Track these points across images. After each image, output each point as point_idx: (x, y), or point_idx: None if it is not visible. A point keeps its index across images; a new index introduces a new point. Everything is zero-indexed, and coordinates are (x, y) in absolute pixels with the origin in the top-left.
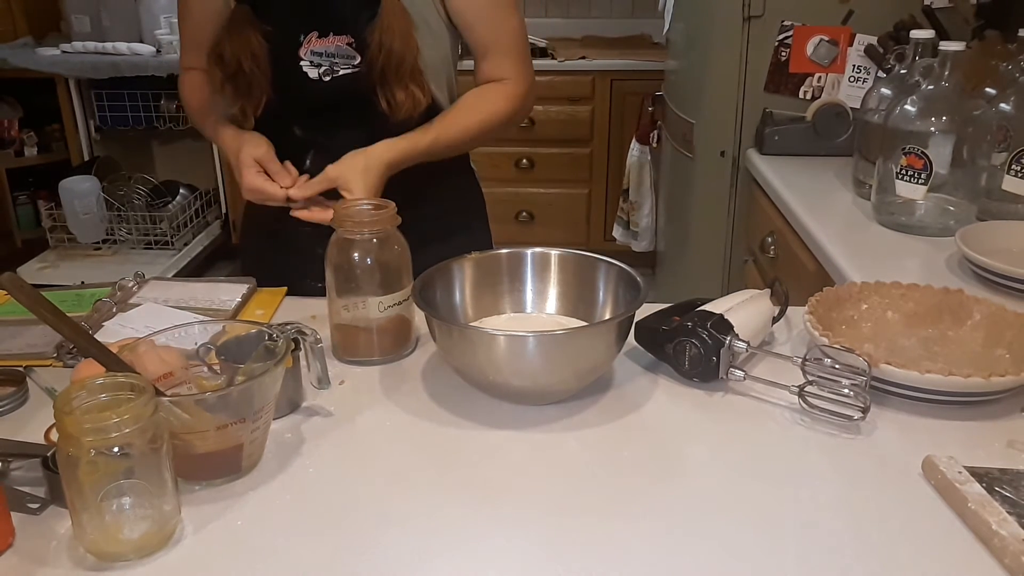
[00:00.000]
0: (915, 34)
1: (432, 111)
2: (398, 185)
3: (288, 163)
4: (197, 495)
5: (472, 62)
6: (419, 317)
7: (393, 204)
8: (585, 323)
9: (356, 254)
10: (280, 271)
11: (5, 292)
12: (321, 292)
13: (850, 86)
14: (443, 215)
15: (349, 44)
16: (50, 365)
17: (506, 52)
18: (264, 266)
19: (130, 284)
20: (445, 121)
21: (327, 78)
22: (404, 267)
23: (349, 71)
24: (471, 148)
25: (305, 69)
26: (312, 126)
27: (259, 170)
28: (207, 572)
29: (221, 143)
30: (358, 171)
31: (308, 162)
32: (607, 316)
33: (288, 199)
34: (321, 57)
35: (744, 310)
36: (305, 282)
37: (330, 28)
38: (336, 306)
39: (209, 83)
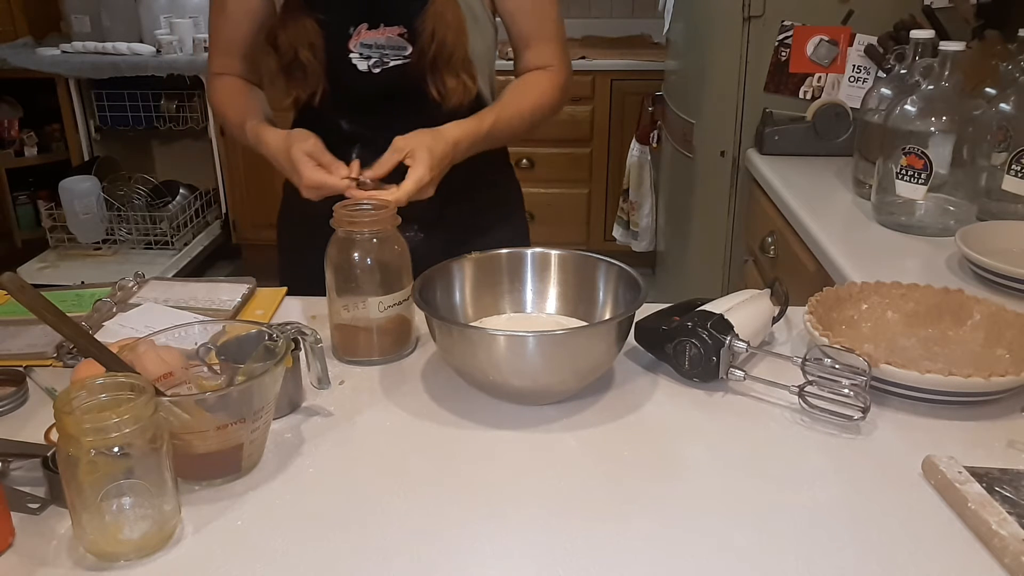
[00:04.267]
0: (915, 34)
1: (478, 103)
2: (441, 180)
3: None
4: (197, 495)
5: (505, 61)
6: (419, 317)
7: (394, 204)
8: (585, 323)
9: (356, 254)
10: (322, 265)
11: (5, 292)
12: None
13: (850, 86)
14: (484, 209)
15: (401, 35)
16: (50, 365)
17: (548, 40)
18: (305, 263)
19: (130, 284)
20: (501, 104)
21: (377, 70)
22: (404, 267)
23: (399, 62)
24: (524, 134)
25: (355, 61)
26: (359, 119)
27: (315, 164)
28: (207, 572)
29: (265, 144)
30: (425, 144)
31: (354, 155)
32: (607, 316)
33: (357, 183)
34: (371, 49)
35: (744, 310)
36: None
37: (380, 19)
38: (336, 306)
39: (264, 71)
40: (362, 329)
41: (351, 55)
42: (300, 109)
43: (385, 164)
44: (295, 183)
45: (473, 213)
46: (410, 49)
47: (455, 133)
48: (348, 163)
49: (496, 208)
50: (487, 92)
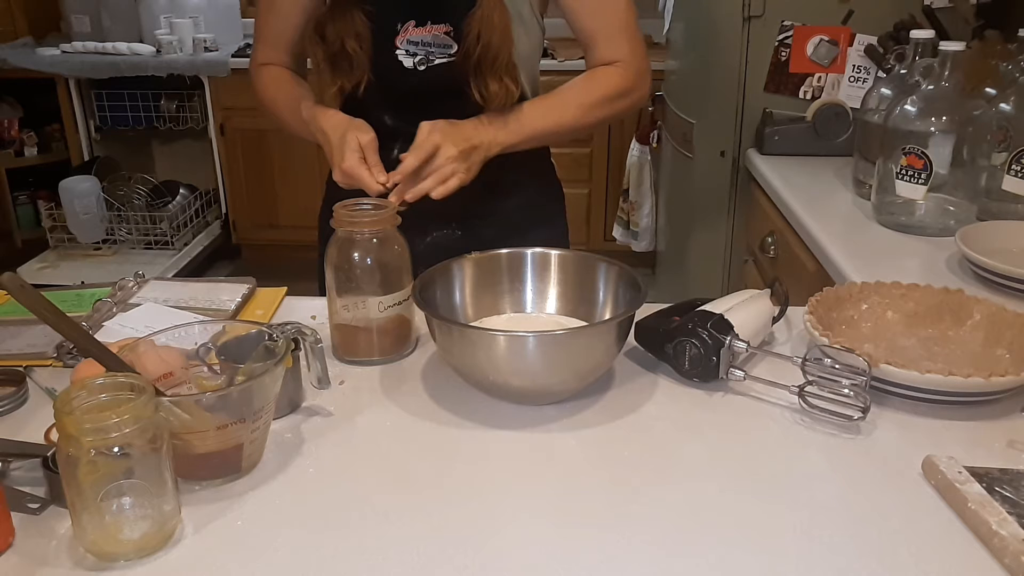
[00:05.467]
0: (915, 34)
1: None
2: (481, 175)
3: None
4: (197, 495)
5: (548, 60)
6: (419, 317)
7: (394, 204)
8: (585, 323)
9: (356, 254)
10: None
11: (5, 292)
12: None
13: (850, 86)
14: (524, 208)
15: (447, 33)
16: (50, 365)
17: (614, 33)
18: None
19: (130, 284)
20: (548, 95)
21: (422, 67)
22: (404, 267)
23: (444, 60)
24: (581, 128)
25: (400, 58)
26: (403, 115)
27: (361, 156)
28: (207, 572)
29: (324, 119)
30: (439, 125)
31: (396, 151)
32: (607, 316)
33: (385, 186)
34: (417, 46)
35: (744, 310)
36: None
37: (428, 17)
38: (336, 306)
39: (312, 59)
40: (362, 329)
41: (397, 51)
42: (344, 101)
43: (418, 154)
44: (333, 163)
45: (513, 212)
46: (455, 47)
47: (476, 118)
48: (389, 158)
49: (536, 208)
50: (529, 94)
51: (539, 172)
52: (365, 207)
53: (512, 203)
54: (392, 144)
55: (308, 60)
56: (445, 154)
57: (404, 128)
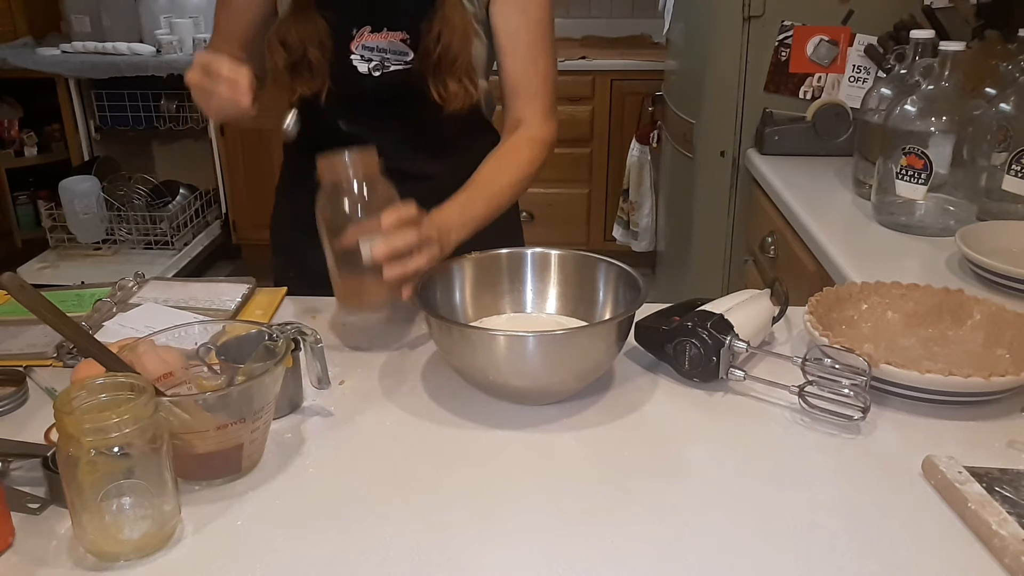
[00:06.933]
0: (915, 34)
1: (476, 110)
2: (434, 184)
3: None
4: (197, 495)
5: None
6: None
7: (374, 148)
8: (585, 323)
9: (345, 200)
10: (317, 267)
11: (5, 292)
12: None
13: (850, 86)
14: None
15: (403, 40)
16: (50, 365)
17: (536, 92)
18: (300, 263)
19: (130, 284)
20: (487, 181)
21: (377, 73)
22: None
23: (400, 67)
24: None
25: (355, 63)
26: (358, 121)
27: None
28: (207, 572)
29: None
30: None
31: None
32: (607, 316)
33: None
34: (372, 52)
35: (744, 310)
36: None
37: (384, 23)
38: (332, 257)
39: (271, 67)
40: (360, 276)
41: (352, 56)
42: (301, 107)
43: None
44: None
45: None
46: (411, 55)
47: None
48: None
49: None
50: (484, 106)
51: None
52: (348, 155)
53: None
54: (346, 149)
55: (266, 62)
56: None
57: (358, 133)
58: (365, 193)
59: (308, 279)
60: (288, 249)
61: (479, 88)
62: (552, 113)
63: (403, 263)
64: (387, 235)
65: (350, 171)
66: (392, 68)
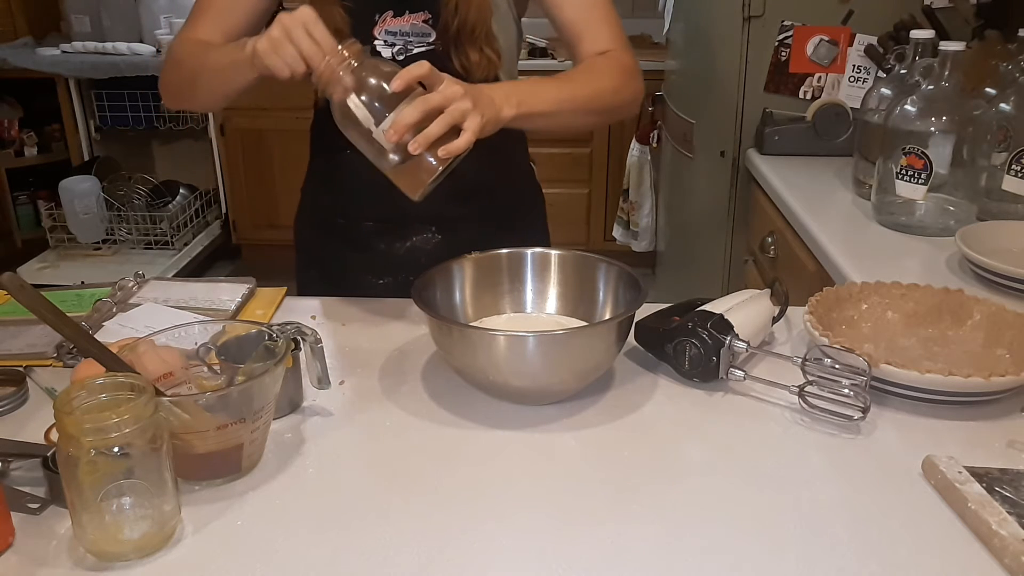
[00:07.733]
0: (915, 34)
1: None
2: (457, 178)
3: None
4: (197, 495)
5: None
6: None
7: (415, 77)
8: (585, 323)
9: (365, 97)
10: (339, 266)
11: (5, 292)
12: (383, 290)
13: (850, 86)
14: (503, 209)
15: (425, 21)
16: (50, 365)
17: (598, 24)
18: (322, 261)
19: (130, 284)
20: (567, 76)
21: (400, 57)
22: (397, 94)
23: (423, 49)
24: (588, 118)
25: (379, 48)
26: None
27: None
28: (207, 572)
29: (238, 47)
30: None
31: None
32: (607, 316)
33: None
34: (395, 36)
35: (744, 310)
36: (366, 278)
37: (406, 6)
38: (376, 158)
39: None
40: (405, 161)
41: (376, 42)
42: (320, 95)
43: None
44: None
45: (491, 214)
46: (434, 35)
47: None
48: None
49: (515, 210)
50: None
51: (517, 174)
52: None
53: (491, 205)
54: None
55: None
56: (450, 91)
57: None
58: (371, 81)
59: (331, 278)
60: (311, 247)
61: (502, 57)
62: (627, 45)
63: (431, 128)
64: (399, 109)
65: (341, 68)
66: (415, 51)
